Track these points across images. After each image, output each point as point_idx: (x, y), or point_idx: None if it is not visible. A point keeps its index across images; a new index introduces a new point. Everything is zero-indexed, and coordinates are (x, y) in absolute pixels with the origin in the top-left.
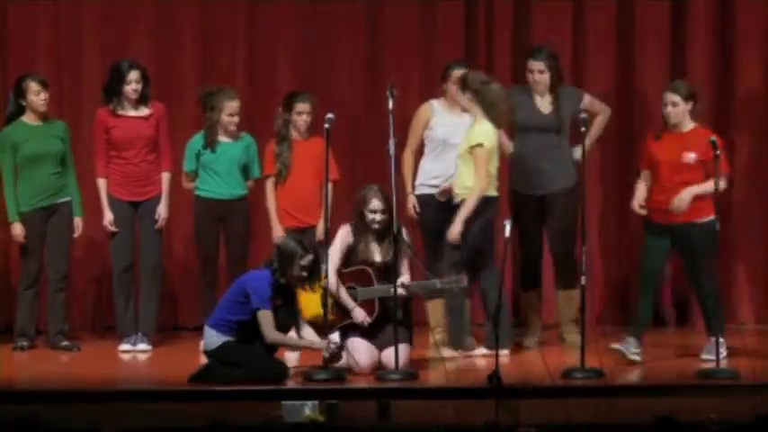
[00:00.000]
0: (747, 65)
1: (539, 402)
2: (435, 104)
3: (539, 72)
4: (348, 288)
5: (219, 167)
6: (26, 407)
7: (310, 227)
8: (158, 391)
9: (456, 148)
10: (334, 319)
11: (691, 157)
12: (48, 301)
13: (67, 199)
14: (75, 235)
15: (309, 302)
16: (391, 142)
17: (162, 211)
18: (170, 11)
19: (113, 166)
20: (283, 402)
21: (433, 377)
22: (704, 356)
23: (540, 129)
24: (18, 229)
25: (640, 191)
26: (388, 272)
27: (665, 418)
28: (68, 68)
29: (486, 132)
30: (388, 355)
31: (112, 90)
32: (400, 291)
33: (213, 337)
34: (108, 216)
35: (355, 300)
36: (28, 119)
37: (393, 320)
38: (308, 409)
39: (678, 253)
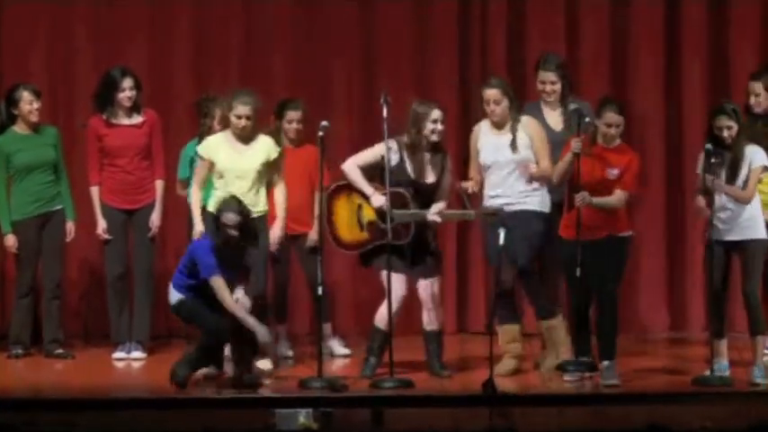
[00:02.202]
0: (742, 72)
1: (533, 410)
2: (483, 126)
3: (550, 83)
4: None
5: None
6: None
7: (302, 234)
8: (152, 399)
9: (499, 166)
10: (369, 238)
11: (614, 173)
12: (43, 309)
13: (61, 207)
14: (68, 239)
15: (349, 227)
16: (386, 150)
17: (155, 219)
18: (164, 18)
19: (107, 174)
20: (277, 410)
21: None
22: (605, 382)
23: (553, 145)
24: (11, 241)
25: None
26: (427, 195)
27: (656, 428)
28: (62, 76)
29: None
30: (424, 286)
31: (105, 98)
32: (435, 217)
33: (173, 294)
34: (101, 224)
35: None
36: (19, 128)
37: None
38: (302, 417)
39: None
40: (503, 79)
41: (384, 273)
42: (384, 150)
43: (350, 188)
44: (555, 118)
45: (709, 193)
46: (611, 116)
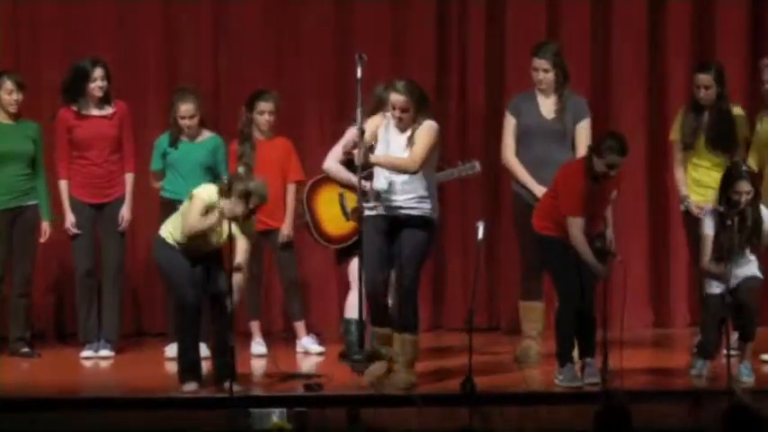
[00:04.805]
0: (729, 70)
1: (513, 409)
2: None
3: (543, 71)
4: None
5: (182, 168)
6: None
7: (275, 229)
8: (121, 398)
9: None
10: (358, 225)
11: (614, 195)
12: (10, 306)
13: (35, 202)
14: (42, 240)
15: (334, 221)
16: (358, 111)
17: (125, 213)
18: (132, 9)
19: (76, 167)
20: (251, 410)
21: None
22: (587, 380)
23: (544, 134)
24: None
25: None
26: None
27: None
28: (27, 69)
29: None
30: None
31: (76, 89)
32: None
33: None
34: (70, 218)
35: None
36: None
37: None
38: (276, 417)
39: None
40: (410, 84)
41: (353, 262)
42: (354, 135)
43: (327, 180)
44: (548, 106)
45: (722, 257)
46: (615, 158)
